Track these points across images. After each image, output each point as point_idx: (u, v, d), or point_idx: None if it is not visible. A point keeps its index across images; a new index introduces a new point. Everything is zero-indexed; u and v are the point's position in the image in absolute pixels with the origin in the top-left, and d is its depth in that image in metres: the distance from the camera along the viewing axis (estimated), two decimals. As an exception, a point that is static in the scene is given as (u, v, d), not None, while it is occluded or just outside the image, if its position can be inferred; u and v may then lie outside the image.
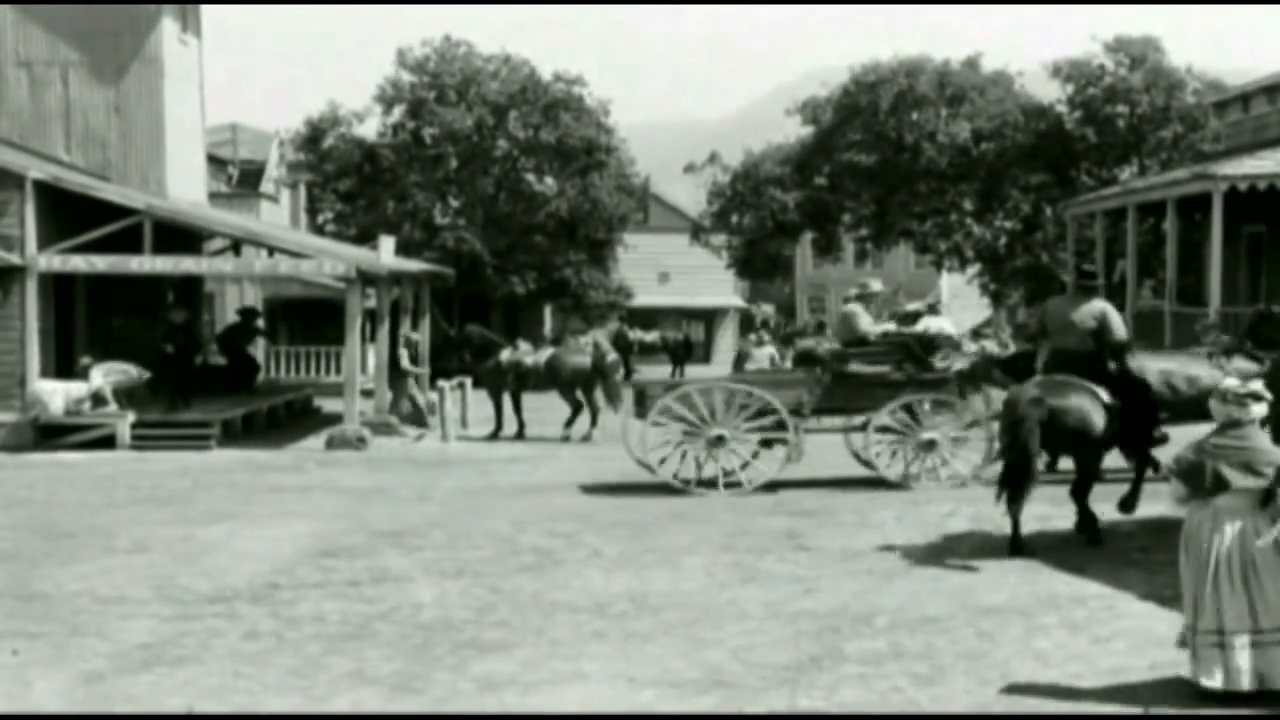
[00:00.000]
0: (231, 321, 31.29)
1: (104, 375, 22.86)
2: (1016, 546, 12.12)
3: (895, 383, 16.81)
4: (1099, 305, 13.62)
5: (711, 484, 16.57)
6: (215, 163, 38.86)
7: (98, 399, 22.67)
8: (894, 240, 47.70)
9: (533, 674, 8.49)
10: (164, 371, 23.62)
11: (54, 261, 22.92)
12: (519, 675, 8.46)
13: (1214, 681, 7.73)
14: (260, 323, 30.88)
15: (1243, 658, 7.70)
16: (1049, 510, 14.72)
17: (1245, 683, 7.70)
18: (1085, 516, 12.86)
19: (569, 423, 23.90)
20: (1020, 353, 29.51)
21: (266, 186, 43.55)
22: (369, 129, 43.76)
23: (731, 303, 63.82)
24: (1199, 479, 7.84)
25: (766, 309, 55.75)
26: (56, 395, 22.34)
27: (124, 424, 22.46)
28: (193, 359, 23.91)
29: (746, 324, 62.41)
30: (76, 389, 22.62)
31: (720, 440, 16.63)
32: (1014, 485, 12.21)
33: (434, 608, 10.29)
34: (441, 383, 24.68)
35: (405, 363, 26.01)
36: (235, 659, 8.88)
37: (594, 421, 23.89)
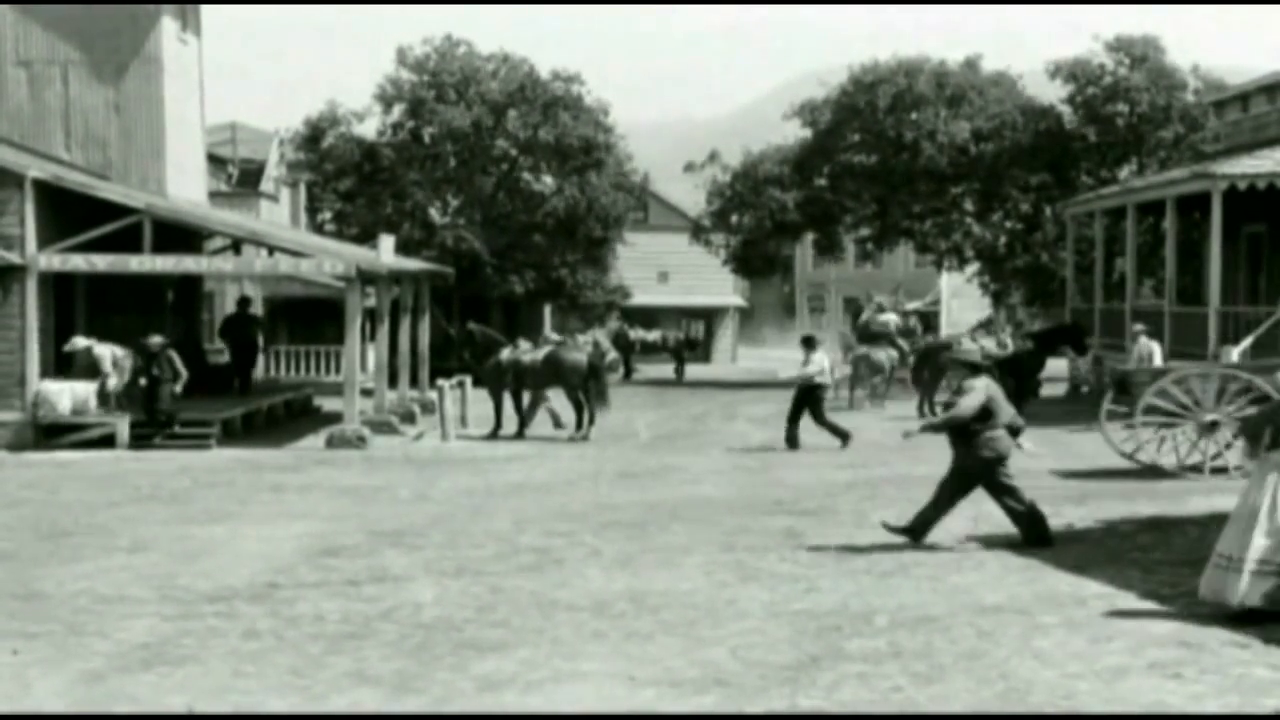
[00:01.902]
0: (230, 313, 31.34)
1: (110, 357, 22.79)
2: None
3: None
4: None
5: (1198, 469, 16.75)
6: (215, 162, 38.88)
7: (102, 393, 22.60)
8: (895, 240, 47.66)
9: (533, 673, 8.49)
10: (145, 400, 22.77)
11: (54, 261, 22.92)
12: (519, 675, 8.46)
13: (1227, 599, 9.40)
14: (254, 310, 30.79)
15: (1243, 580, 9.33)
16: (1047, 510, 14.74)
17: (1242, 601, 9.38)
18: None
19: (578, 424, 23.91)
20: (1020, 352, 29.59)
21: (266, 186, 43.56)
22: (369, 128, 43.75)
23: (731, 302, 63.78)
24: (1260, 437, 9.54)
25: (889, 307, 58.25)
26: (63, 395, 22.32)
27: (124, 424, 22.47)
28: (172, 385, 22.52)
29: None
30: (82, 389, 22.60)
31: (1213, 426, 16.74)
32: None
33: (434, 607, 10.30)
34: (441, 382, 24.68)
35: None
36: (235, 658, 8.89)
37: (591, 420, 23.89)
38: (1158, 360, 23.89)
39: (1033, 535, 12.49)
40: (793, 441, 21.93)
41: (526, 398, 24.51)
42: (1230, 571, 9.43)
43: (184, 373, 22.72)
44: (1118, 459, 18.35)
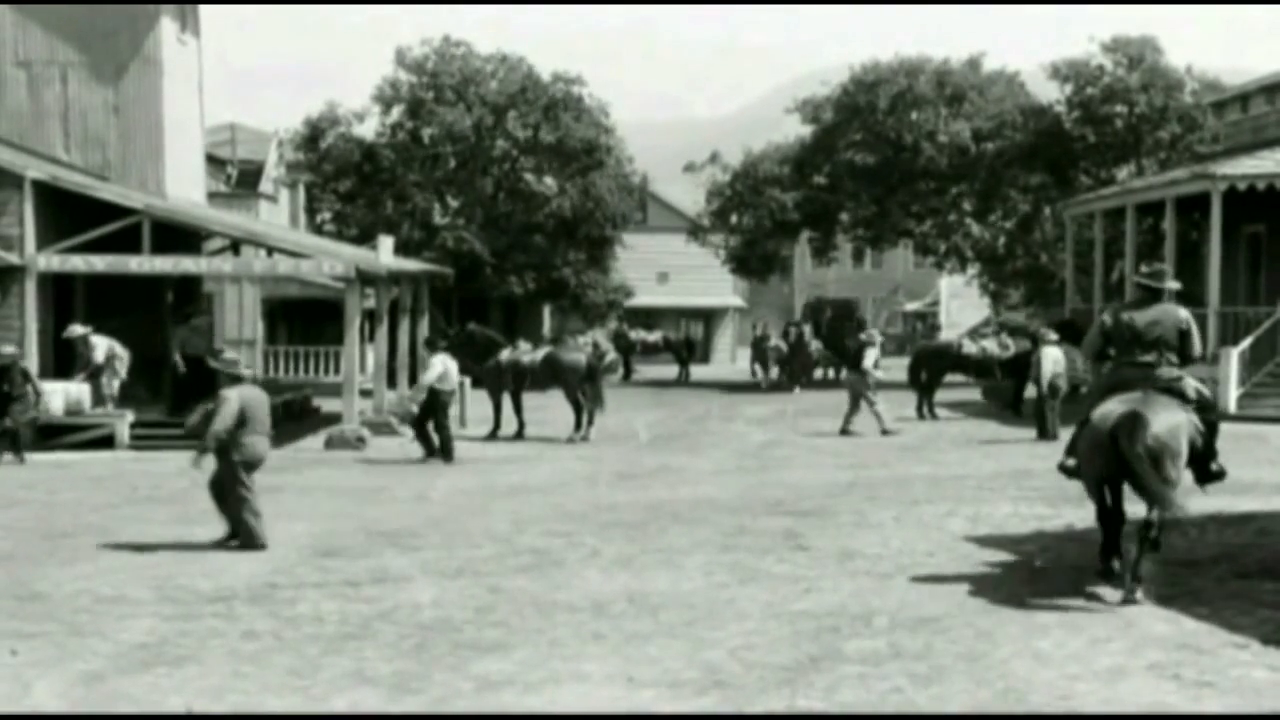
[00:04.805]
0: (185, 325, 26.95)
1: (106, 350, 22.74)
2: None
3: None
4: None
5: None
6: (214, 163, 38.89)
7: (96, 375, 22.51)
8: (893, 240, 47.68)
9: (532, 674, 8.49)
10: None
11: (53, 261, 22.94)
12: (518, 675, 8.46)
13: None
14: (200, 321, 27.52)
15: None
16: (1046, 511, 14.76)
17: None
18: None
19: (576, 425, 23.89)
20: (1021, 353, 29.61)
21: (265, 186, 43.58)
22: (368, 129, 43.82)
23: (731, 302, 63.78)
24: None
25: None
26: (56, 395, 22.33)
27: (123, 424, 22.47)
28: (27, 402, 20.81)
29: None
30: (76, 389, 22.61)
31: None
32: None
33: (433, 608, 10.29)
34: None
35: (868, 364, 24.94)
36: (234, 659, 8.88)
37: (590, 421, 23.89)
38: (1046, 366, 23.41)
39: (249, 545, 12.81)
40: (430, 449, 20.61)
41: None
42: None
43: (42, 391, 21.24)
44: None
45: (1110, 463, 10.35)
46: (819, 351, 42.81)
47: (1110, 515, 10.81)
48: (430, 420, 20.87)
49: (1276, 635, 9.12)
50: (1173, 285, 11.29)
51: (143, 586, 11.13)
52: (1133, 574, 10.22)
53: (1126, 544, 10.54)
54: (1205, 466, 11.10)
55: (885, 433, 24.06)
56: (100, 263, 23.10)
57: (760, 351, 43.51)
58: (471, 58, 43.75)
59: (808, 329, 42.02)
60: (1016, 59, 47.85)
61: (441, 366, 21.01)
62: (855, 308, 52.16)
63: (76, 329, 23.05)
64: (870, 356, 24.96)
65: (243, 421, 12.89)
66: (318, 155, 43.22)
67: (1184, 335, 10.93)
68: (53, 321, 23.68)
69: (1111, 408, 10.49)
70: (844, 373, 44.35)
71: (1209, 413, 11.08)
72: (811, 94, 45.36)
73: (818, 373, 42.68)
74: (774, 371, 42.12)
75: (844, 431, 24.50)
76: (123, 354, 23.16)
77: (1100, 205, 33.75)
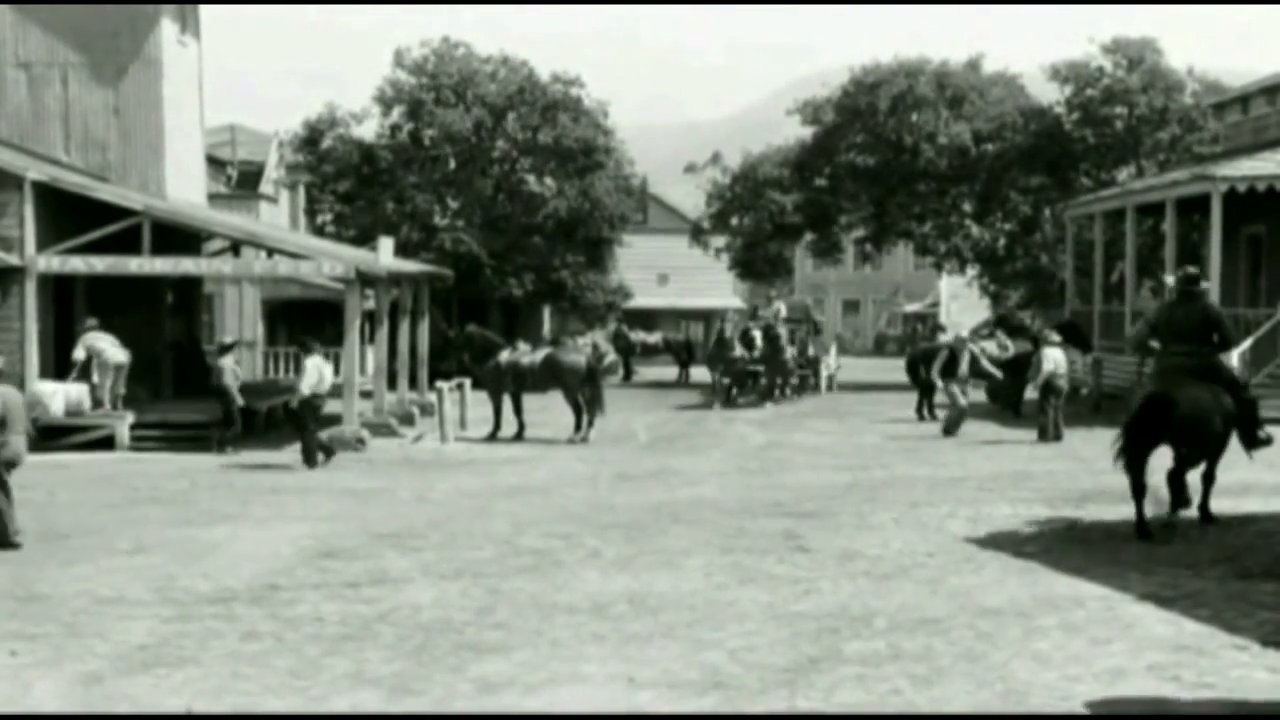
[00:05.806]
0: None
1: (84, 349, 22.69)
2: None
3: None
4: None
5: None
6: (214, 164, 38.85)
7: (78, 368, 22.48)
8: (893, 242, 47.64)
9: (532, 675, 8.49)
10: None
11: (53, 262, 22.94)
12: (518, 676, 8.46)
13: None
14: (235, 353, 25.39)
15: None
16: (1047, 512, 14.76)
17: None
18: None
19: (576, 426, 23.88)
20: (1021, 354, 29.60)
21: (266, 187, 43.54)
22: (367, 130, 43.80)
23: (731, 304, 63.80)
24: None
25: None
26: (56, 397, 22.33)
27: (123, 425, 22.47)
28: None
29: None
30: (76, 390, 22.61)
31: None
32: None
33: (433, 609, 10.30)
34: (440, 384, 24.69)
35: (936, 369, 25.04)
36: (234, 660, 8.88)
37: (590, 422, 23.89)
38: (1046, 366, 23.58)
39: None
40: (312, 459, 20.20)
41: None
42: None
43: None
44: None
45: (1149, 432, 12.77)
46: (795, 358, 34.61)
47: (1173, 472, 13.17)
48: (305, 425, 20.53)
49: (1276, 637, 9.12)
50: (1204, 286, 13.55)
51: (143, 587, 11.13)
52: (1203, 500, 13.40)
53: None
54: (1252, 434, 13.35)
55: (919, 420, 23.99)
56: (100, 264, 23.10)
57: (721, 361, 33.88)
58: (471, 59, 43.75)
59: (783, 330, 33.60)
60: (1016, 60, 47.84)
61: (317, 373, 20.64)
62: (808, 311, 46.69)
63: (90, 321, 23.14)
64: (938, 362, 24.96)
65: (2, 422, 13.12)
66: (317, 156, 43.22)
67: (1213, 326, 13.01)
68: (53, 322, 23.67)
69: (1148, 389, 13.01)
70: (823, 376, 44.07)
71: (1245, 390, 13.59)
72: (811, 96, 45.32)
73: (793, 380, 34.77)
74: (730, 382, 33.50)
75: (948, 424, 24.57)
76: (117, 356, 23.00)
77: (1100, 207, 33.74)
